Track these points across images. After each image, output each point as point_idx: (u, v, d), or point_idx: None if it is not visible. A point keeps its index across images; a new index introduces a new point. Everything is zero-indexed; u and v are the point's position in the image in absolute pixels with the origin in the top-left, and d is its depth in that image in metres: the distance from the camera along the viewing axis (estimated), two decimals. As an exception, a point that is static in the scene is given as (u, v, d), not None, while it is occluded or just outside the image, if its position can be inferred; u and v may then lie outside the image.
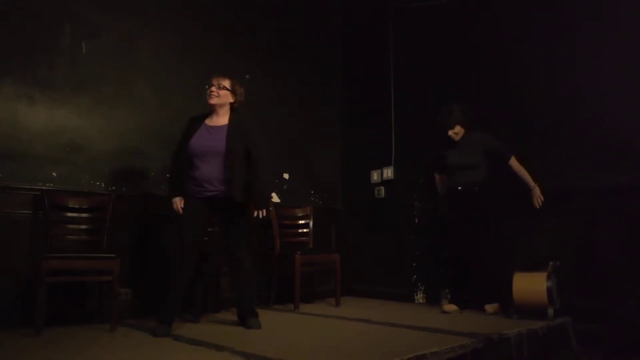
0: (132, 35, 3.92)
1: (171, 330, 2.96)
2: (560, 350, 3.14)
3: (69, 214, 3.41)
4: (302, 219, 4.46)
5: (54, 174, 3.47)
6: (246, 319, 3.17)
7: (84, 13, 3.70)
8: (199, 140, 3.11)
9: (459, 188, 3.73)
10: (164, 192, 3.81)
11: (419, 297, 4.44)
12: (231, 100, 3.20)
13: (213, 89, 3.14)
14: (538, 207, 3.58)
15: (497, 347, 2.72)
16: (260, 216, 3.14)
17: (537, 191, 3.60)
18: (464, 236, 3.69)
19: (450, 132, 3.77)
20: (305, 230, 4.44)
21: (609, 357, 3.08)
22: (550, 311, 3.26)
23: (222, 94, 3.15)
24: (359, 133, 5.12)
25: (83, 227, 3.45)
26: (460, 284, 3.77)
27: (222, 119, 3.18)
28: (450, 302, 3.78)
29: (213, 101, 3.15)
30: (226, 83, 3.16)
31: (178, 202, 3.15)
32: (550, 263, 3.40)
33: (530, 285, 3.35)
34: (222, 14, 4.48)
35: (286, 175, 4.77)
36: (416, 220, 4.53)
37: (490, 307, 3.58)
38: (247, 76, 4.47)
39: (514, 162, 3.68)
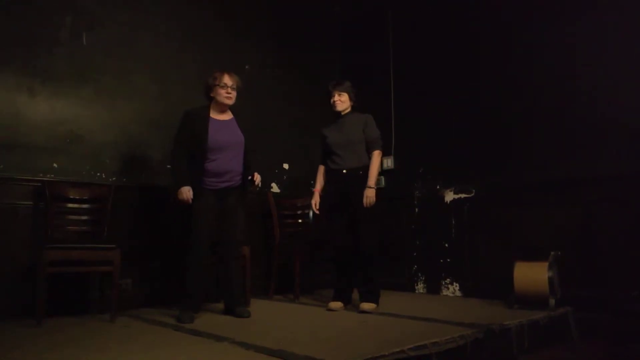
0: (133, 26, 3.90)
1: (195, 317, 3.05)
2: (561, 341, 3.14)
3: (70, 205, 3.42)
4: (302, 209, 4.46)
5: (55, 164, 3.47)
6: (235, 308, 3.21)
7: (84, 4, 3.68)
8: (220, 135, 3.19)
9: (344, 171, 3.48)
10: (164, 182, 3.81)
11: (420, 287, 4.44)
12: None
13: (229, 89, 3.22)
14: (365, 206, 3.33)
15: (498, 338, 2.72)
16: (257, 181, 3.29)
17: (370, 192, 3.35)
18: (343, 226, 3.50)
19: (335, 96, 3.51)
20: (304, 220, 4.43)
21: (610, 347, 3.08)
22: (552, 301, 3.25)
23: (234, 95, 3.27)
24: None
25: (84, 217, 3.45)
26: (341, 279, 3.56)
27: (227, 114, 3.32)
28: (334, 299, 3.53)
29: (229, 102, 3.26)
30: (239, 82, 3.28)
31: (187, 192, 3.11)
32: (552, 253, 3.39)
33: (531, 275, 3.34)
34: (221, 4, 4.46)
35: (286, 166, 4.76)
36: (416, 209, 4.52)
37: (366, 305, 3.32)
38: (247, 66, 4.45)
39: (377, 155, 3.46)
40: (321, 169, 3.67)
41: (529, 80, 3.85)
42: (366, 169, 3.44)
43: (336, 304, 3.47)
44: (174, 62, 4.08)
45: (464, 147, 4.21)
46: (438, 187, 4.39)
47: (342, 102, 3.53)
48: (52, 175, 3.44)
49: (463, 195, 4.21)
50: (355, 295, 3.56)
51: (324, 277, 4.63)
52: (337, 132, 3.53)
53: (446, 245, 4.28)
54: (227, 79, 3.21)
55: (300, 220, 4.42)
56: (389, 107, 4.78)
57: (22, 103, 3.38)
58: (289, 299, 4.00)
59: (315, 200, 3.60)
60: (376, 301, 3.39)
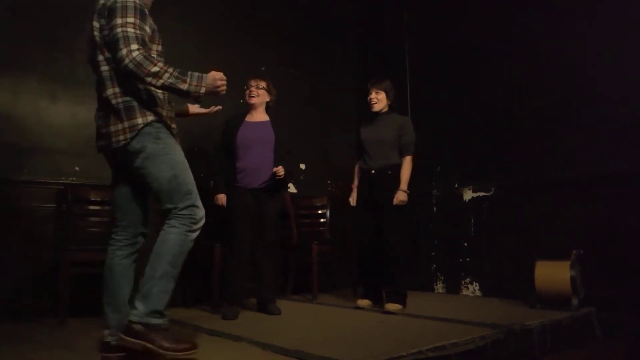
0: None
1: (239, 313, 3.18)
2: (584, 341, 3.08)
3: (91, 207, 3.48)
4: (319, 209, 4.46)
5: (77, 168, 3.53)
6: (266, 305, 3.30)
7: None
8: (247, 133, 3.34)
9: (372, 172, 3.50)
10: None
11: (439, 286, 4.41)
12: (267, 99, 3.45)
13: (252, 89, 3.39)
14: (395, 203, 3.33)
15: (520, 338, 2.68)
16: (280, 172, 3.29)
17: (401, 194, 3.36)
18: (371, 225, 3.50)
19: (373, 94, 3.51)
20: (322, 220, 4.44)
21: (634, 348, 3.01)
22: (575, 301, 3.20)
23: (260, 94, 3.41)
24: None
25: (105, 219, 3.51)
26: (368, 277, 3.56)
27: (261, 115, 3.45)
28: (363, 296, 3.55)
29: (253, 100, 3.40)
30: (263, 84, 3.43)
31: (222, 199, 3.36)
32: (574, 251, 3.32)
33: (554, 274, 3.28)
34: (237, 6, 4.49)
35: (302, 166, 4.77)
36: (434, 208, 4.49)
37: (391, 306, 3.28)
38: (263, 68, 4.47)
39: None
40: (358, 165, 3.70)
41: (549, 77, 3.79)
42: (394, 169, 3.44)
43: (364, 302, 3.49)
44: (191, 63, 4.07)
45: (482, 145, 4.16)
46: (456, 185, 4.35)
47: (378, 100, 3.53)
48: (74, 179, 3.50)
49: (482, 194, 4.17)
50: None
51: (341, 277, 4.62)
52: (371, 131, 3.55)
53: (465, 244, 4.23)
54: (251, 81, 3.44)
55: (317, 220, 4.43)
56: (406, 105, 4.75)
57: (44, 108, 3.46)
58: (307, 299, 4.01)
59: (353, 197, 3.64)
60: (403, 302, 3.36)
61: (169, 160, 2.10)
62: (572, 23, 3.68)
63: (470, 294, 4.17)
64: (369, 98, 3.55)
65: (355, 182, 3.67)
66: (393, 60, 4.92)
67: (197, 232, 2.12)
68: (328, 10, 5.17)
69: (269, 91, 3.45)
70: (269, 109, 3.50)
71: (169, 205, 2.09)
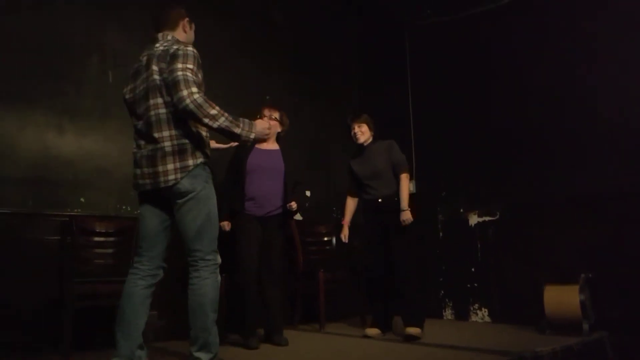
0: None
1: (259, 340, 3.20)
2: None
3: (96, 239, 3.47)
4: (324, 236, 4.44)
5: (82, 199, 3.54)
6: (273, 336, 3.25)
7: (110, 42, 3.79)
8: (257, 160, 3.34)
9: (379, 200, 3.51)
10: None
11: (447, 313, 4.35)
12: (279, 129, 3.49)
13: (265, 119, 3.37)
14: (403, 225, 3.34)
15: (530, 365, 2.63)
16: (294, 207, 3.34)
17: (405, 214, 3.35)
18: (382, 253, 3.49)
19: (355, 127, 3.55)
20: (328, 247, 4.41)
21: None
22: (586, 326, 3.15)
23: (273, 124, 3.37)
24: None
25: (110, 250, 3.49)
26: (377, 305, 3.52)
27: (272, 144, 3.48)
28: (371, 325, 3.51)
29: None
30: (276, 114, 3.46)
31: (226, 226, 3.31)
32: (582, 275, 3.29)
33: (563, 298, 3.25)
34: (243, 33, 4.57)
35: (308, 193, 4.77)
36: (440, 234, 4.46)
37: (412, 330, 3.23)
38: (267, 97, 4.52)
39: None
40: (349, 200, 3.71)
41: (552, 99, 3.82)
42: (399, 195, 3.45)
43: (373, 331, 3.44)
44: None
45: (487, 169, 4.17)
46: (462, 210, 4.34)
47: (362, 132, 3.58)
48: (79, 210, 3.51)
49: (487, 218, 4.15)
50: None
51: (349, 305, 4.57)
52: (364, 164, 3.58)
53: (473, 269, 4.20)
54: (264, 110, 3.46)
55: (323, 247, 4.40)
56: (409, 131, 4.78)
57: (50, 140, 3.48)
58: (314, 329, 3.95)
59: (344, 233, 3.64)
60: (421, 325, 3.32)
61: (211, 205, 2.28)
62: (574, 47, 3.74)
63: (480, 320, 4.11)
64: (352, 133, 3.60)
65: (346, 219, 3.69)
66: (395, 86, 4.97)
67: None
68: (331, 39, 5.25)
69: (281, 121, 3.49)
70: (279, 138, 3.53)
71: (197, 247, 2.24)
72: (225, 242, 3.44)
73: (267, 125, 2.34)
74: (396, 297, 3.44)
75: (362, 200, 3.64)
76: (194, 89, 2.14)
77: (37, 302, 3.24)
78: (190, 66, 2.21)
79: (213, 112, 2.14)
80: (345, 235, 3.64)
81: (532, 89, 3.93)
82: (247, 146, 3.38)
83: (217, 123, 2.15)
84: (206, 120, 2.13)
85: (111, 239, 3.50)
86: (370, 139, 3.61)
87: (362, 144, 3.60)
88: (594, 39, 3.61)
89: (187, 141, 2.22)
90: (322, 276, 3.92)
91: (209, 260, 2.23)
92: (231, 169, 3.43)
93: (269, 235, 3.34)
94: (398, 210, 3.39)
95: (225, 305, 3.49)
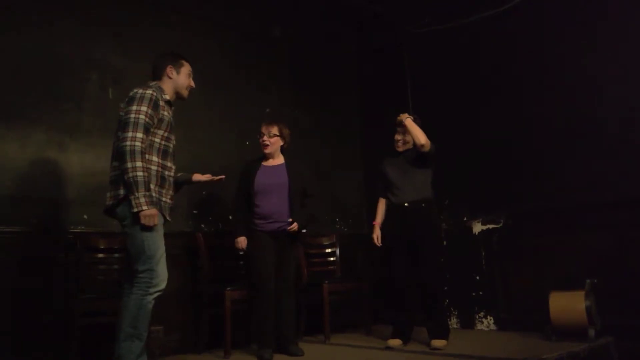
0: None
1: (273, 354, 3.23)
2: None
3: (100, 255, 3.48)
4: (328, 247, 4.44)
5: (85, 216, 3.55)
6: (288, 346, 3.28)
7: (109, 60, 3.83)
8: (263, 178, 3.39)
9: (405, 204, 3.49)
10: (190, 228, 3.86)
11: (453, 321, 4.33)
12: (281, 143, 3.50)
13: (265, 138, 3.43)
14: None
15: (537, 373, 2.62)
16: (296, 228, 3.36)
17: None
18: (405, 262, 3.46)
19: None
20: (332, 258, 4.41)
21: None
22: (592, 332, 3.13)
23: (273, 141, 3.44)
24: (380, 157, 5.10)
25: (114, 267, 3.50)
26: (400, 315, 3.49)
27: (277, 160, 3.52)
28: (393, 336, 3.46)
29: (267, 150, 3.46)
30: (275, 130, 3.46)
31: (243, 242, 3.41)
32: (587, 281, 3.28)
33: (568, 304, 3.23)
34: (243, 50, 4.59)
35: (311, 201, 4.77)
36: (444, 242, 4.46)
37: (437, 342, 3.22)
38: (268, 110, 4.55)
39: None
40: (381, 201, 3.70)
41: (555, 105, 3.82)
42: (427, 202, 3.46)
43: (395, 342, 3.39)
44: (198, 107, 4.18)
45: (490, 177, 4.17)
46: (465, 218, 4.33)
47: (406, 141, 3.60)
48: (83, 227, 3.52)
49: (491, 226, 4.15)
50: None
51: (353, 316, 4.56)
52: (398, 166, 3.57)
53: (477, 277, 4.19)
54: (262, 129, 3.48)
55: (326, 259, 4.40)
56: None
57: (52, 158, 3.51)
58: (319, 340, 3.94)
59: (377, 234, 3.62)
60: (446, 336, 3.30)
61: (146, 231, 2.44)
62: (575, 53, 3.75)
63: (485, 328, 4.09)
64: (395, 137, 3.62)
65: (378, 220, 3.66)
66: (395, 96, 4.98)
67: (155, 295, 2.45)
68: (330, 53, 5.27)
69: (281, 136, 3.49)
70: (284, 151, 3.56)
71: (133, 265, 2.45)
72: (244, 257, 3.64)
73: (155, 221, 2.44)
74: (422, 310, 3.43)
75: (389, 204, 3.60)
76: (139, 135, 2.40)
77: (42, 320, 3.24)
78: (144, 109, 2.44)
79: (137, 164, 2.37)
80: (377, 236, 3.61)
81: (535, 97, 3.94)
82: (254, 166, 3.48)
83: (129, 176, 2.36)
84: (126, 166, 2.37)
85: (115, 255, 3.51)
86: (411, 147, 3.57)
87: (399, 152, 3.61)
88: (595, 47, 3.63)
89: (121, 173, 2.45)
90: (325, 287, 3.91)
91: (141, 277, 2.42)
92: (241, 187, 3.49)
93: (282, 248, 3.40)
94: (424, 219, 3.40)
95: (231, 321, 3.49)
